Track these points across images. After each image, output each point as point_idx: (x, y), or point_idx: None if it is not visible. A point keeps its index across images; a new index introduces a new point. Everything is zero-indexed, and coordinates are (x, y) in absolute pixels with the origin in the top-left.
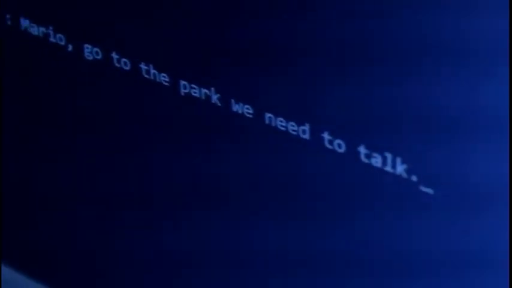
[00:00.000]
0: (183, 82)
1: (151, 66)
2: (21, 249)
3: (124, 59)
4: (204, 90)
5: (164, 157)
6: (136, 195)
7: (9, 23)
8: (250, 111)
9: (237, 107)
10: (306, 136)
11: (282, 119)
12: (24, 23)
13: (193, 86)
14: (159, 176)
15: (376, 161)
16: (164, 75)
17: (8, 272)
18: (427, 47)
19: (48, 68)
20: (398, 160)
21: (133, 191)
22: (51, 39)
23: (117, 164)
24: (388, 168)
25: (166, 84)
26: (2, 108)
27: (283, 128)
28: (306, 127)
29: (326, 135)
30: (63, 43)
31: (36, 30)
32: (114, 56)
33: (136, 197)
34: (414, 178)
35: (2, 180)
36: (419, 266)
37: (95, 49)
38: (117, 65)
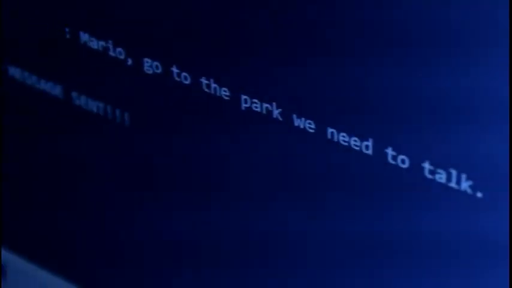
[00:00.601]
0: (244, 97)
1: (212, 80)
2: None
3: (184, 73)
4: (266, 105)
5: (224, 171)
6: (187, 207)
7: (68, 36)
8: (312, 126)
9: (298, 122)
10: (369, 151)
11: (344, 134)
12: (84, 36)
13: (254, 100)
14: (218, 190)
15: (441, 177)
16: (225, 89)
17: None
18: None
19: (107, 82)
20: (463, 176)
21: (187, 204)
22: (111, 53)
23: (176, 180)
24: (453, 185)
25: (226, 98)
26: (61, 115)
27: (345, 144)
28: (369, 142)
29: (390, 151)
30: (122, 57)
31: (95, 44)
32: (175, 70)
33: (183, 206)
34: (479, 195)
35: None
36: None
37: (155, 63)
38: (177, 79)
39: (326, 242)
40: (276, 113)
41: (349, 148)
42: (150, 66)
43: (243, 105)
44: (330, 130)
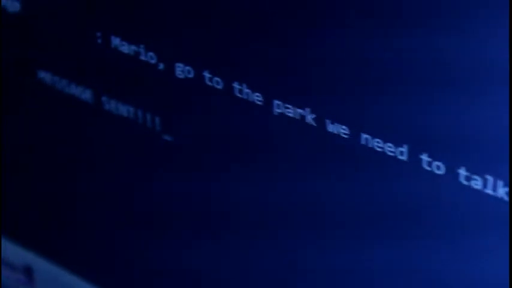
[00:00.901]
0: (276, 102)
1: (244, 85)
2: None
3: (216, 78)
4: (299, 110)
5: (255, 176)
6: (227, 215)
7: (99, 41)
8: (346, 132)
9: (332, 128)
10: (404, 157)
11: (379, 140)
12: (115, 41)
13: (287, 105)
14: (250, 194)
15: (476, 183)
16: (258, 94)
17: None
18: None
19: (138, 87)
20: (500, 183)
21: (225, 213)
22: (142, 57)
23: (208, 184)
24: (489, 191)
25: (259, 103)
26: (91, 119)
27: (379, 149)
28: (404, 148)
29: (425, 157)
30: (154, 61)
31: (127, 48)
32: (207, 74)
33: (218, 216)
34: None
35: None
36: None
37: (187, 68)
38: (209, 83)
39: (355, 246)
40: (309, 118)
41: (383, 154)
42: (182, 70)
43: (276, 110)
44: (364, 136)
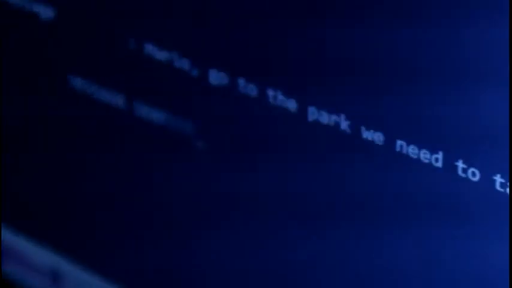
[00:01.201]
0: (311, 108)
1: (279, 92)
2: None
3: (250, 85)
4: (334, 117)
5: (288, 183)
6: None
7: (132, 47)
8: (381, 139)
9: (367, 134)
10: (439, 164)
11: (414, 146)
12: (148, 47)
13: (322, 112)
14: (283, 201)
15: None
16: (292, 101)
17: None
18: None
19: (170, 93)
20: None
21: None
22: (175, 64)
23: (239, 191)
24: None
25: (293, 110)
26: (122, 125)
27: (414, 156)
28: (439, 155)
29: (460, 164)
30: (187, 68)
31: (160, 54)
32: (241, 81)
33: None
34: None
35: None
36: None
37: (221, 74)
38: (242, 90)
39: (391, 254)
40: (344, 125)
41: (418, 161)
42: (215, 77)
43: (310, 117)
44: (399, 142)
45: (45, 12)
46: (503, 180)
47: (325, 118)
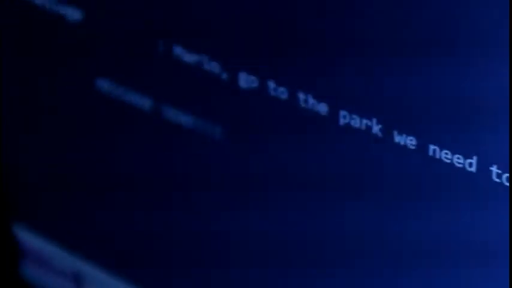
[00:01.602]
0: (342, 112)
1: (309, 95)
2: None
3: (281, 88)
4: (365, 121)
5: (319, 188)
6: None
7: (161, 49)
8: (414, 143)
9: (399, 139)
10: (473, 169)
11: (447, 151)
12: (177, 50)
13: (353, 116)
14: (313, 208)
15: None
16: (323, 104)
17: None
18: None
19: (199, 96)
20: None
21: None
22: (205, 67)
23: (268, 195)
24: None
25: (324, 114)
26: (149, 128)
27: (447, 161)
28: (473, 160)
29: (494, 169)
30: (217, 71)
31: (189, 57)
32: (271, 84)
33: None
34: None
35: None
36: None
37: (251, 77)
38: (273, 93)
39: (430, 263)
40: (376, 129)
41: (451, 165)
42: (245, 80)
43: (341, 121)
44: (432, 147)
45: (73, 14)
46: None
47: (357, 122)
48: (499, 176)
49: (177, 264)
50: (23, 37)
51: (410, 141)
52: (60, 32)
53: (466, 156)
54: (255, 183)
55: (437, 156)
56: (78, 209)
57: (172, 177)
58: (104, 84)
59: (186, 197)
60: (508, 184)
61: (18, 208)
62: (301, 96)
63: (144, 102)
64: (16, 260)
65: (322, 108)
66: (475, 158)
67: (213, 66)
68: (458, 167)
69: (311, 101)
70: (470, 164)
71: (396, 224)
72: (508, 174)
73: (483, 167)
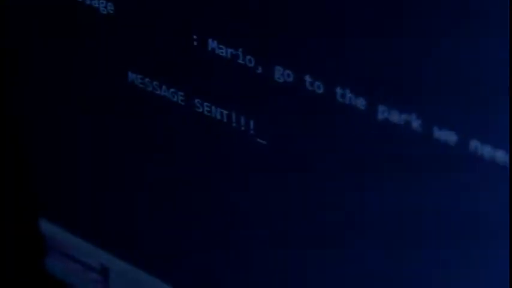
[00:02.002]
0: (381, 107)
1: (347, 89)
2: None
3: (318, 82)
4: (404, 116)
5: (352, 182)
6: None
7: (195, 43)
8: (454, 139)
9: (439, 134)
10: None
11: (488, 146)
12: (212, 44)
13: (392, 111)
14: (349, 201)
15: None
16: (361, 99)
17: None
18: None
19: (233, 90)
20: None
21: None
22: (240, 60)
23: (305, 189)
24: None
25: (362, 108)
26: (181, 121)
27: (489, 157)
28: None
29: None
30: (252, 65)
31: (224, 51)
32: (308, 79)
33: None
34: None
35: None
36: None
37: (287, 71)
38: (309, 88)
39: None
40: (415, 124)
41: (493, 162)
42: (281, 74)
43: (380, 116)
44: (473, 142)
45: (105, 7)
46: None
47: (396, 117)
48: None
49: (203, 259)
50: (55, 29)
51: (451, 137)
52: (93, 25)
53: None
54: (291, 178)
55: (479, 153)
56: (108, 204)
57: (205, 171)
58: (137, 78)
59: (219, 191)
60: None
61: (44, 203)
62: (339, 90)
63: (177, 96)
64: (42, 254)
65: (360, 102)
66: None
67: (248, 60)
68: (501, 165)
69: (348, 95)
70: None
71: (434, 216)
72: None
73: None
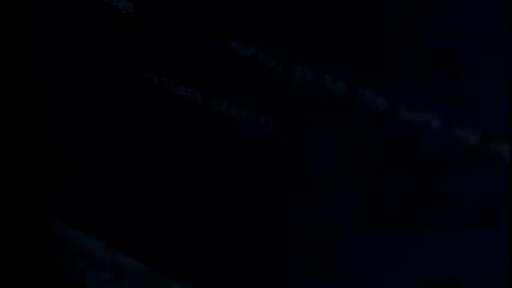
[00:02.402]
0: (402, 107)
1: (368, 89)
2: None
3: (339, 82)
4: (425, 116)
5: (374, 185)
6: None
7: (215, 42)
8: (476, 139)
9: (460, 133)
10: None
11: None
12: (232, 43)
13: (413, 111)
14: (369, 204)
15: None
16: (382, 99)
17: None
18: None
19: (252, 89)
20: None
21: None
22: (260, 60)
23: (319, 190)
24: None
25: (383, 107)
26: (198, 121)
27: (507, 157)
28: None
29: None
30: (272, 64)
31: (244, 51)
32: (328, 78)
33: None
34: None
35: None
36: None
37: (307, 71)
38: (330, 87)
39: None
40: (435, 124)
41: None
42: (302, 74)
43: (401, 116)
44: (493, 144)
45: (125, 6)
46: None
47: (416, 117)
48: None
49: (220, 260)
50: (73, 27)
51: (473, 137)
52: (112, 23)
53: None
54: (308, 178)
55: (499, 154)
56: (123, 204)
57: (222, 171)
58: (154, 77)
59: (240, 192)
60: None
61: (58, 203)
62: (359, 90)
63: (196, 96)
64: (56, 255)
65: (381, 102)
66: None
67: (268, 60)
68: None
69: (369, 94)
70: None
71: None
72: None
73: None
